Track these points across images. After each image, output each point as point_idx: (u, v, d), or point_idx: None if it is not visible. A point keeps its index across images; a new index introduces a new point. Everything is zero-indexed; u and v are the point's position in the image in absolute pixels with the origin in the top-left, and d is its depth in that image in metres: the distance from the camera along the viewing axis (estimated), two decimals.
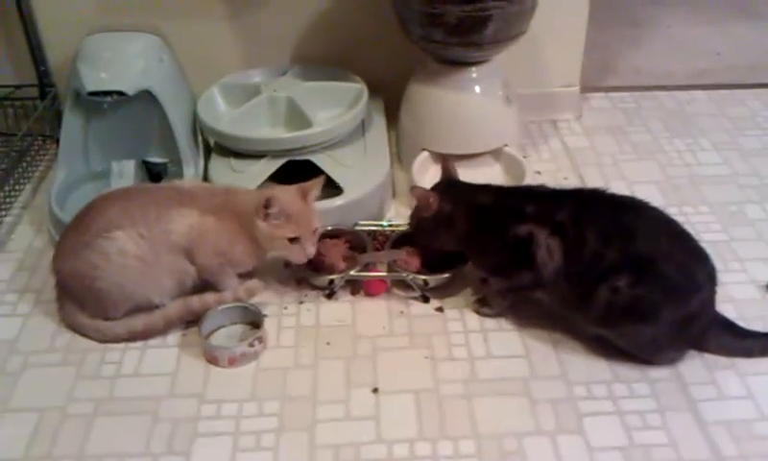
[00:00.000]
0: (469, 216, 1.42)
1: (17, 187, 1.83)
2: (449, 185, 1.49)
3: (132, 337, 1.39)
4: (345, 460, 1.18)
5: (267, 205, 1.36)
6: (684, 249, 1.31)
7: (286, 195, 1.40)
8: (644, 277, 1.26)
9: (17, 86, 1.95)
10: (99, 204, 1.42)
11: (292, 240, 1.39)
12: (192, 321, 1.41)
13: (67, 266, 1.38)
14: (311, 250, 1.40)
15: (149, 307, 1.39)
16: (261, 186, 1.61)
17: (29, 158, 1.91)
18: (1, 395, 1.31)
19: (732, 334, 1.35)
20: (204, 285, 1.44)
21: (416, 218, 1.50)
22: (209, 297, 1.41)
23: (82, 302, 1.40)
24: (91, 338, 1.40)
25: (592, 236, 1.29)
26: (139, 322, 1.39)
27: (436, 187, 1.49)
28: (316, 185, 1.43)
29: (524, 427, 1.23)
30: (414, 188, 1.48)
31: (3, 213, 1.74)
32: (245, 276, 1.47)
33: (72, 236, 1.40)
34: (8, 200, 1.78)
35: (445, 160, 1.54)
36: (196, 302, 1.40)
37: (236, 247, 1.41)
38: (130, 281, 1.36)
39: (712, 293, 1.31)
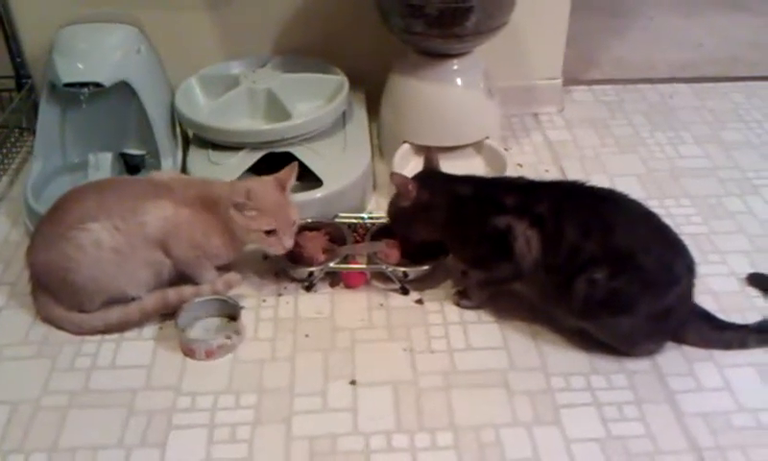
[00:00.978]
0: (449, 206, 1.41)
1: None
2: (429, 175, 1.48)
3: (108, 329, 1.38)
4: (320, 452, 1.18)
5: (244, 197, 1.34)
6: (662, 241, 1.31)
7: (262, 187, 1.39)
8: (622, 269, 1.26)
9: None
10: (74, 195, 1.40)
11: (269, 233, 1.37)
12: (169, 313, 1.39)
13: (41, 258, 1.37)
14: (289, 242, 1.39)
15: (125, 300, 1.38)
16: (240, 178, 1.59)
17: (5, 150, 1.88)
18: None
19: (711, 326, 1.35)
20: (182, 277, 1.42)
21: (394, 206, 1.49)
22: (186, 290, 1.40)
23: (56, 294, 1.38)
24: (67, 330, 1.39)
25: (571, 229, 1.29)
26: (115, 314, 1.37)
27: (416, 177, 1.48)
28: (291, 174, 1.41)
29: (502, 419, 1.22)
30: (393, 175, 1.47)
31: None
32: (223, 268, 1.45)
33: (46, 228, 1.38)
34: None
35: (429, 151, 1.53)
36: (173, 294, 1.39)
37: (212, 239, 1.40)
38: (104, 274, 1.34)
39: (691, 286, 1.31)
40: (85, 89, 1.65)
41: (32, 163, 1.72)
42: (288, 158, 1.62)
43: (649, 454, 1.17)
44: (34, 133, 1.76)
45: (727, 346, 1.34)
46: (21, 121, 1.95)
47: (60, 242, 1.34)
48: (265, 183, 1.40)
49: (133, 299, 1.38)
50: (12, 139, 1.93)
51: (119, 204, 1.36)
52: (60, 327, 1.40)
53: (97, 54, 1.69)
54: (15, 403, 1.26)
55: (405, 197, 1.43)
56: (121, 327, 1.38)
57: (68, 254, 1.33)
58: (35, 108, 1.83)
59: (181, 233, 1.37)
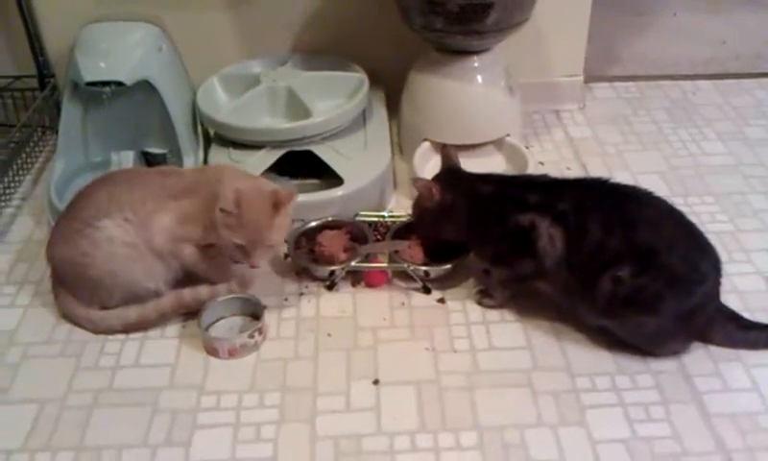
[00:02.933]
0: (471, 206, 1.41)
1: (17, 178, 1.82)
2: (451, 175, 1.48)
3: (126, 329, 1.38)
4: (346, 452, 1.17)
5: (233, 205, 1.27)
6: (688, 239, 1.30)
7: (255, 199, 1.30)
8: (647, 267, 1.24)
9: (16, 77, 1.94)
10: (88, 190, 1.41)
11: (238, 246, 1.31)
12: (192, 312, 1.40)
13: (59, 254, 1.38)
14: (257, 261, 1.33)
15: (146, 293, 1.38)
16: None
17: (28, 149, 1.90)
18: (0, 386, 1.30)
19: (737, 326, 1.33)
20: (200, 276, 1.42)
21: (418, 209, 1.49)
22: (203, 290, 1.40)
23: (76, 290, 1.39)
24: (85, 328, 1.40)
25: (595, 226, 1.28)
26: (132, 313, 1.38)
27: (437, 177, 1.48)
28: (291, 198, 1.32)
29: (526, 419, 1.22)
30: (415, 180, 1.47)
31: (3, 204, 1.73)
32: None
33: (63, 224, 1.39)
34: (7, 191, 1.77)
35: (446, 148, 1.53)
36: (189, 294, 1.39)
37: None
38: (120, 267, 1.34)
39: (717, 284, 1.29)
40: (107, 88, 1.67)
41: (54, 162, 1.73)
42: (308, 157, 1.63)
43: (675, 456, 1.16)
44: (56, 132, 1.77)
45: (753, 346, 1.32)
46: (44, 120, 1.96)
47: (76, 237, 1.35)
48: (260, 195, 1.31)
49: (155, 292, 1.38)
50: (35, 138, 1.94)
51: (129, 195, 1.36)
52: (77, 325, 1.40)
53: (119, 53, 1.71)
54: (42, 402, 1.27)
55: (428, 200, 1.43)
56: (138, 326, 1.39)
57: (84, 250, 1.34)
58: (57, 107, 1.84)
59: (183, 233, 1.37)
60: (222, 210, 1.29)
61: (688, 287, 1.26)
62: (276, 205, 1.31)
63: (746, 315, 1.35)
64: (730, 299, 1.38)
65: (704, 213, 1.64)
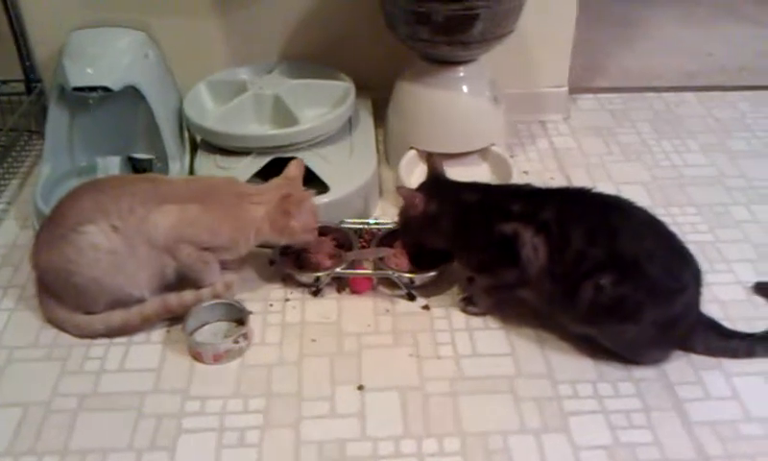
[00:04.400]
0: (455, 214, 1.42)
1: (3, 183, 1.81)
2: (435, 184, 1.49)
3: (110, 333, 1.38)
4: (329, 457, 1.18)
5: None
6: (669, 249, 1.32)
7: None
8: (628, 276, 1.26)
9: (3, 82, 1.94)
10: (73, 196, 1.41)
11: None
12: (176, 317, 1.40)
13: (44, 259, 1.37)
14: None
15: (130, 300, 1.38)
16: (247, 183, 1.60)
17: (15, 154, 1.89)
18: None
19: (718, 335, 1.35)
20: (185, 280, 1.42)
21: (403, 217, 1.49)
22: (187, 294, 1.40)
23: (61, 295, 1.39)
24: (69, 333, 1.39)
25: (577, 235, 1.29)
26: (116, 318, 1.38)
27: (422, 186, 1.49)
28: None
29: (509, 426, 1.23)
30: (400, 188, 1.48)
31: None
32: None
33: (48, 229, 1.39)
34: None
35: (431, 157, 1.54)
36: (174, 299, 1.39)
37: (222, 231, 1.40)
38: (105, 274, 1.34)
39: (697, 294, 1.31)
40: (94, 93, 1.67)
41: (40, 167, 1.73)
42: None
43: None
44: (43, 136, 1.77)
45: (734, 354, 1.34)
46: (31, 125, 1.96)
47: (61, 243, 1.34)
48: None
49: (140, 300, 1.38)
50: (22, 143, 1.94)
51: (116, 203, 1.35)
52: (62, 330, 1.40)
53: (106, 58, 1.71)
54: (26, 405, 1.26)
55: (413, 209, 1.44)
56: (122, 331, 1.39)
57: (68, 256, 1.34)
58: (44, 111, 1.84)
59: (189, 233, 1.37)
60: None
61: (669, 297, 1.27)
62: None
63: (727, 324, 1.37)
64: (711, 308, 1.39)
65: (685, 224, 1.66)
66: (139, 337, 1.39)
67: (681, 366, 1.33)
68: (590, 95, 2.21)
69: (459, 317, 1.44)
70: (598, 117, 2.11)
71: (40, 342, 1.39)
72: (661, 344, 1.33)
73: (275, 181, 1.49)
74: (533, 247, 1.31)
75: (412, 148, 1.78)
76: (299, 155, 1.65)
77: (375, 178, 1.74)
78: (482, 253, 1.39)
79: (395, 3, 1.65)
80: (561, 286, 1.30)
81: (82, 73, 1.67)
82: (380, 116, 1.90)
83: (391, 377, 1.31)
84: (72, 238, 1.34)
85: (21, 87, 1.94)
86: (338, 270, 1.48)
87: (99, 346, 1.37)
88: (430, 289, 1.49)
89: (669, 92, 2.22)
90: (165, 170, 1.72)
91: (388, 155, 1.90)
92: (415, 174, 1.74)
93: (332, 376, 1.31)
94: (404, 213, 1.49)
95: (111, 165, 1.71)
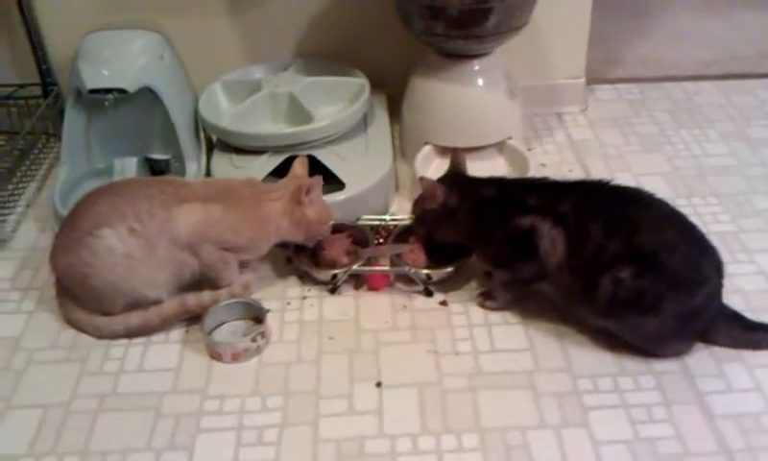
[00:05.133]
0: (473, 209, 1.41)
1: (21, 185, 1.83)
2: (455, 178, 1.48)
3: (129, 334, 1.39)
4: (348, 454, 1.18)
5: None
6: (689, 241, 1.30)
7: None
8: (648, 268, 1.24)
9: (20, 85, 1.95)
10: (90, 199, 1.41)
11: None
12: (195, 317, 1.40)
13: (62, 262, 1.38)
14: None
15: (148, 302, 1.38)
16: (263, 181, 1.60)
17: (32, 157, 1.91)
18: (5, 391, 1.31)
19: (740, 326, 1.33)
20: (202, 281, 1.43)
21: (420, 209, 1.49)
22: (205, 295, 1.41)
23: (79, 297, 1.40)
24: (88, 334, 1.40)
25: (596, 228, 1.28)
26: (135, 318, 1.38)
27: (442, 180, 1.48)
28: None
29: (528, 421, 1.22)
30: (422, 179, 1.48)
31: (7, 211, 1.74)
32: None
33: (66, 233, 1.40)
34: (12, 198, 1.78)
35: (456, 152, 1.53)
36: (192, 300, 1.40)
37: (244, 233, 1.41)
38: (121, 278, 1.35)
39: (719, 286, 1.29)
40: (110, 95, 1.68)
41: (58, 169, 1.74)
42: (310, 162, 1.63)
43: (678, 456, 1.15)
44: (60, 139, 1.78)
45: (756, 346, 1.32)
46: (48, 128, 1.97)
47: (78, 247, 1.35)
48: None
49: (157, 301, 1.39)
50: (40, 146, 1.96)
51: (134, 206, 1.36)
52: (81, 331, 1.41)
53: (121, 60, 1.72)
54: (47, 407, 1.27)
55: (432, 201, 1.43)
56: (141, 331, 1.39)
57: (85, 260, 1.35)
58: (61, 114, 1.85)
59: (212, 233, 1.38)
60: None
61: (690, 289, 1.26)
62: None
63: (749, 315, 1.35)
64: (733, 299, 1.38)
65: (706, 214, 1.64)
66: (158, 337, 1.40)
67: (702, 358, 1.31)
68: (608, 86, 2.19)
69: (477, 312, 1.43)
70: (616, 108, 2.09)
71: (60, 343, 1.40)
72: (683, 336, 1.31)
73: (284, 181, 1.49)
74: (551, 240, 1.30)
75: (427, 143, 1.78)
76: (314, 152, 1.65)
77: (391, 174, 1.73)
78: (500, 247, 1.39)
79: None
80: (580, 280, 1.29)
81: (97, 75, 1.68)
82: (395, 112, 1.89)
83: (409, 374, 1.31)
84: (88, 242, 1.34)
85: (38, 91, 1.95)
86: (355, 267, 1.47)
87: (118, 346, 1.38)
88: (447, 285, 1.48)
89: (687, 81, 2.20)
90: (182, 170, 1.73)
91: (404, 150, 1.89)
92: (431, 169, 1.74)
93: (350, 374, 1.31)
94: (420, 205, 1.48)
95: (128, 166, 1.71)
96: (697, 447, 1.17)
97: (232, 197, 1.42)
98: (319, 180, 1.46)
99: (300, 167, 1.51)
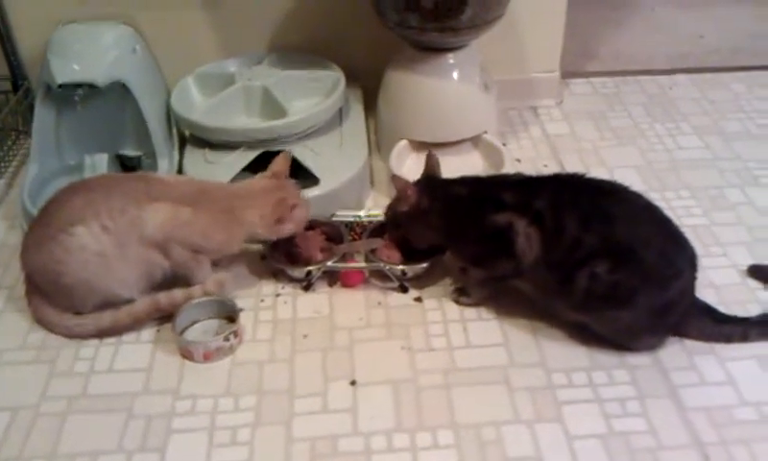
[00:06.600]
0: (447, 209, 1.40)
1: None
2: (429, 180, 1.47)
3: (100, 333, 1.37)
4: (322, 453, 1.17)
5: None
6: (663, 234, 1.30)
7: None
8: (623, 262, 1.24)
9: None
10: (63, 195, 1.39)
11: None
12: (167, 316, 1.38)
13: (33, 260, 1.36)
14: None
15: (120, 301, 1.37)
16: (236, 178, 1.58)
17: (2, 153, 1.87)
18: None
19: (712, 320, 1.34)
20: (174, 279, 1.41)
21: (392, 210, 1.48)
22: (177, 293, 1.39)
23: (50, 295, 1.37)
24: (58, 333, 1.38)
25: (571, 222, 1.28)
26: (106, 318, 1.37)
27: (416, 182, 1.47)
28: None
29: (503, 416, 1.22)
30: (394, 178, 1.47)
31: None
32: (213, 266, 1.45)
33: (37, 229, 1.38)
34: None
35: (430, 155, 1.51)
36: (164, 298, 1.38)
37: (214, 236, 1.39)
38: (93, 275, 1.33)
39: (692, 279, 1.30)
40: (80, 90, 1.65)
41: (28, 166, 1.71)
42: None
43: (651, 450, 1.16)
44: (30, 135, 1.75)
45: (728, 339, 1.33)
46: (18, 123, 1.94)
47: (50, 244, 1.33)
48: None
49: (129, 300, 1.37)
50: (9, 142, 1.92)
51: (107, 203, 1.34)
52: (51, 330, 1.39)
53: (92, 54, 1.69)
54: (15, 409, 1.25)
55: (405, 202, 1.42)
56: (112, 331, 1.38)
57: (57, 257, 1.32)
58: (31, 110, 1.82)
59: (179, 235, 1.36)
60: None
61: (664, 282, 1.26)
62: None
63: (721, 309, 1.36)
64: (706, 293, 1.38)
65: (679, 207, 1.65)
66: (129, 337, 1.38)
67: (675, 352, 1.32)
68: (583, 79, 2.19)
69: (452, 308, 1.43)
70: (591, 101, 2.09)
71: (29, 344, 1.38)
72: (656, 330, 1.32)
73: (263, 180, 1.47)
74: (527, 237, 1.30)
75: (403, 138, 1.76)
76: (288, 147, 1.63)
77: (366, 169, 1.72)
78: (476, 245, 1.38)
79: None
80: (556, 275, 1.29)
81: (67, 69, 1.65)
82: (371, 106, 1.88)
83: (383, 371, 1.30)
84: (61, 239, 1.32)
85: (8, 86, 1.92)
86: (329, 263, 1.46)
87: (88, 347, 1.36)
88: (422, 281, 1.48)
89: (662, 75, 2.20)
90: (154, 167, 1.70)
91: (379, 145, 1.88)
92: (406, 164, 1.73)
93: (324, 372, 1.30)
94: (393, 207, 1.47)
95: (100, 163, 1.68)
96: (670, 440, 1.17)
97: (205, 199, 1.40)
98: (306, 199, 1.46)
99: (281, 163, 1.48)
